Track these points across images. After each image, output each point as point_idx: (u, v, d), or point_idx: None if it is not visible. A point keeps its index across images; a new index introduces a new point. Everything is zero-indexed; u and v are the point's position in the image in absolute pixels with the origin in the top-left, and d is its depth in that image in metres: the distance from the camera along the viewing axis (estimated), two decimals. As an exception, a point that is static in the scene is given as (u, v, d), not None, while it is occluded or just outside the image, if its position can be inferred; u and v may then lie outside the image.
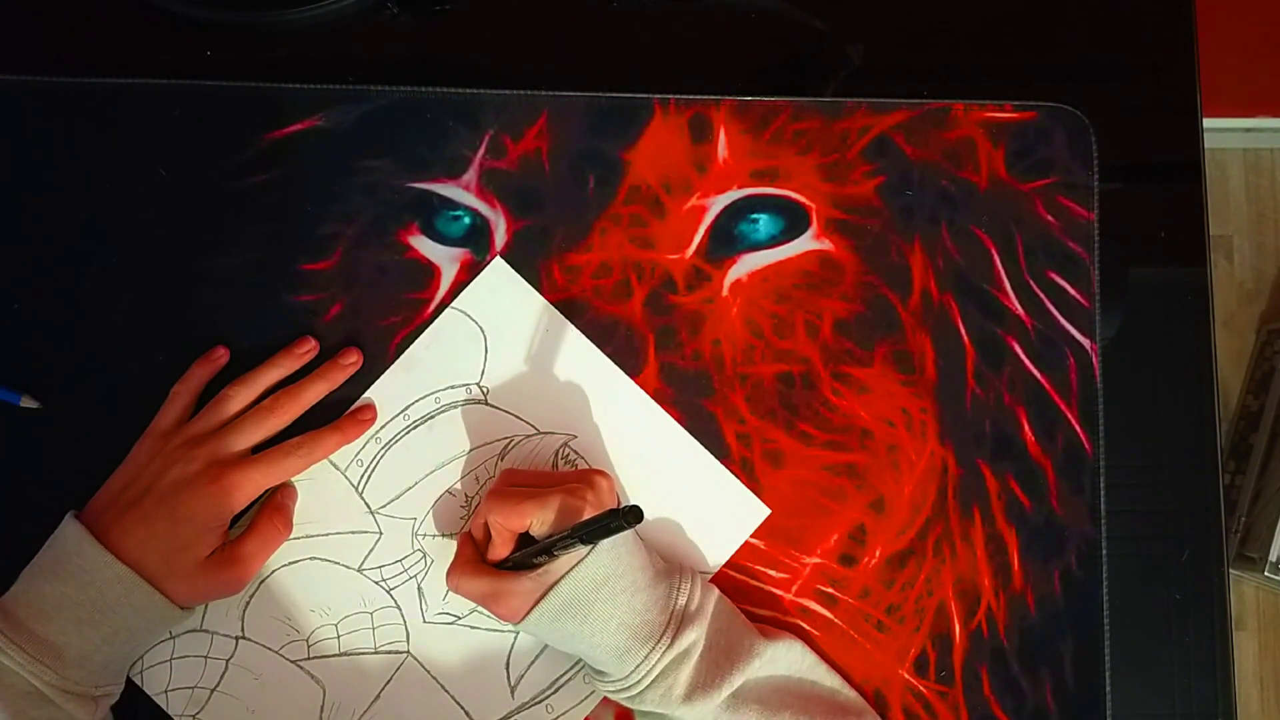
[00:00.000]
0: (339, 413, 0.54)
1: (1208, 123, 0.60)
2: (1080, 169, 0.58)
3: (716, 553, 0.55)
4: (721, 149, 0.57)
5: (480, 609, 0.53)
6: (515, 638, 0.54)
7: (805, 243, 0.57)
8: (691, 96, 0.57)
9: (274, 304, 0.55)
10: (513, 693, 0.53)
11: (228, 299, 0.55)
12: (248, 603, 0.53)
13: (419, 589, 0.54)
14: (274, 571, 0.53)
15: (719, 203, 0.57)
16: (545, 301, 0.55)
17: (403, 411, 0.55)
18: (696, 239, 0.57)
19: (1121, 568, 0.56)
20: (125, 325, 0.55)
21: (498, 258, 0.56)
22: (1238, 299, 1.47)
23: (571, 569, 0.47)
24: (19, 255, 0.55)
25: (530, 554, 0.48)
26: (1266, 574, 1.25)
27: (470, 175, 0.56)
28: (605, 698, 0.53)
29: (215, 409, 0.52)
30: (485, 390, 0.55)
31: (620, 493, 0.54)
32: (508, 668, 0.53)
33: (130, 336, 0.55)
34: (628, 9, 0.59)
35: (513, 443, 0.55)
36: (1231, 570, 1.27)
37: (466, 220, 0.56)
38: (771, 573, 0.55)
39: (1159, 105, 0.61)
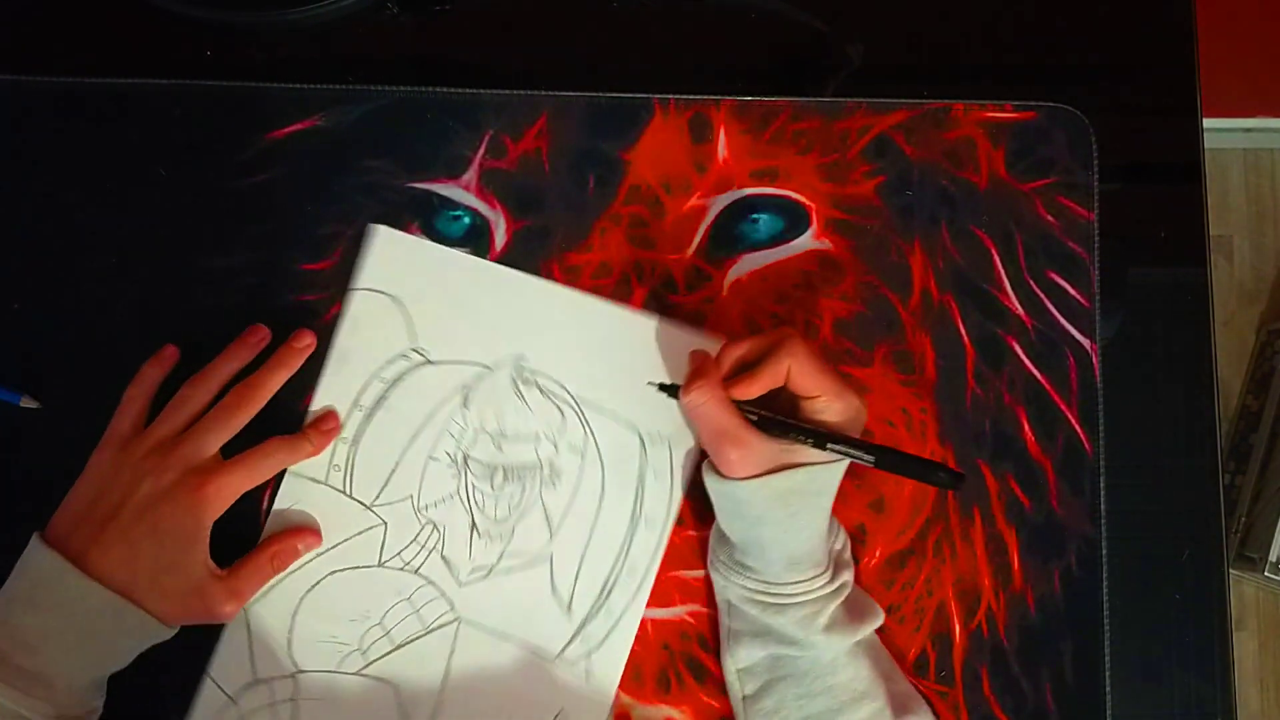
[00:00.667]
0: (295, 411, 0.54)
1: (1208, 123, 0.60)
2: (1080, 169, 0.58)
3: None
4: (721, 149, 0.57)
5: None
6: (551, 562, 0.54)
7: (805, 243, 0.57)
8: (691, 96, 0.57)
9: (274, 304, 0.55)
10: (569, 611, 0.54)
11: (228, 299, 0.55)
12: (290, 638, 0.53)
13: (443, 558, 0.54)
14: (302, 599, 0.53)
15: (719, 203, 0.57)
16: (439, 246, 0.55)
17: (356, 404, 0.54)
18: (696, 239, 0.57)
19: (1121, 568, 0.56)
20: (125, 325, 0.55)
21: (371, 225, 0.55)
22: (1238, 299, 1.47)
23: (813, 465, 0.47)
24: (19, 255, 0.55)
25: (807, 431, 0.47)
26: (1266, 574, 1.25)
27: (470, 175, 0.56)
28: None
29: (176, 410, 0.51)
30: (423, 351, 0.55)
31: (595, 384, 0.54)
32: (554, 591, 0.54)
33: (130, 336, 0.55)
34: (628, 9, 0.59)
35: (470, 387, 0.55)
36: (1231, 570, 1.26)
37: (466, 220, 0.56)
38: (771, 573, 0.55)
39: (1159, 105, 0.61)
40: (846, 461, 0.48)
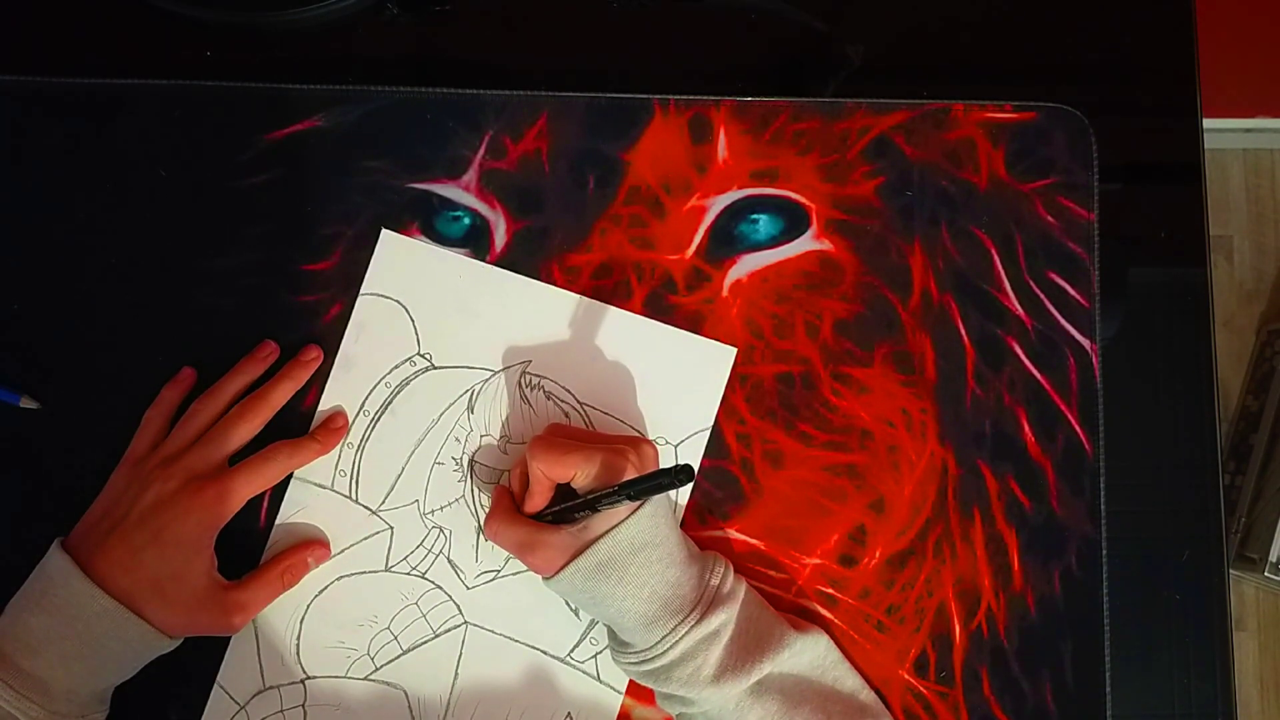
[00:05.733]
0: (298, 412, 0.55)
1: (1208, 123, 0.60)
2: (1080, 169, 0.58)
3: (705, 406, 0.55)
4: (721, 149, 0.57)
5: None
6: None
7: (805, 243, 0.57)
8: (691, 96, 0.57)
9: (274, 304, 0.55)
10: (578, 614, 0.54)
11: (228, 299, 0.55)
12: (298, 644, 0.53)
13: (449, 562, 0.54)
14: (309, 605, 0.53)
15: (719, 203, 0.57)
16: (445, 251, 0.55)
17: (361, 409, 0.55)
18: (696, 239, 0.57)
19: (1121, 568, 0.56)
20: (125, 325, 0.55)
21: (383, 230, 0.55)
22: (1238, 299, 1.47)
23: (611, 529, 0.47)
24: (19, 255, 0.55)
25: (574, 507, 0.48)
26: (1266, 574, 1.25)
27: (470, 176, 0.56)
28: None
29: (186, 425, 0.52)
30: (428, 356, 0.55)
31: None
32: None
33: (130, 336, 0.55)
34: (628, 9, 0.59)
35: (475, 392, 0.55)
36: (1231, 570, 1.27)
37: (466, 221, 0.56)
38: (772, 573, 0.55)
39: (1159, 105, 0.61)
40: (647, 510, 0.48)
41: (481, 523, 0.54)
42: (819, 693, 0.51)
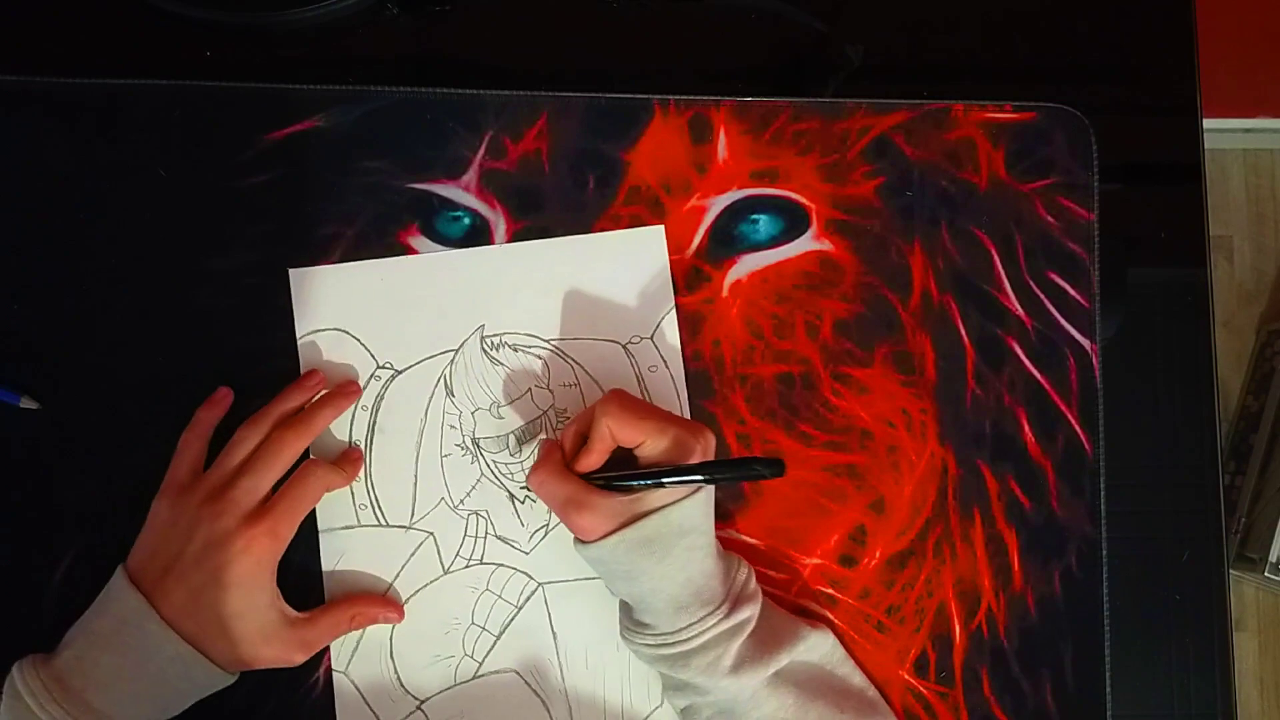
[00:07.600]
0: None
1: (1208, 123, 0.60)
2: (1080, 169, 0.58)
3: (660, 290, 0.56)
4: (721, 149, 0.57)
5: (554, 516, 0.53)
6: None
7: (805, 243, 0.57)
8: (691, 97, 0.57)
9: (274, 304, 0.55)
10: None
11: (228, 299, 0.55)
12: (397, 676, 0.53)
13: (499, 539, 0.54)
14: (391, 636, 0.54)
15: (719, 203, 0.57)
16: (356, 264, 0.55)
17: (350, 442, 0.55)
18: (696, 239, 0.57)
19: (1121, 568, 0.56)
20: (125, 325, 0.55)
21: (289, 270, 0.55)
22: (1238, 299, 1.47)
23: (664, 506, 0.47)
24: (19, 255, 0.55)
25: (637, 476, 0.47)
26: (1266, 574, 1.26)
27: (470, 176, 0.56)
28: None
29: (230, 454, 0.51)
30: (389, 365, 0.55)
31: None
32: None
33: (130, 336, 0.55)
34: (628, 9, 0.59)
35: (447, 376, 0.55)
36: (1231, 570, 1.27)
37: (466, 221, 0.56)
38: (772, 573, 0.55)
39: (1159, 105, 0.61)
40: (701, 495, 0.48)
41: (509, 488, 0.54)
42: (832, 688, 0.51)
